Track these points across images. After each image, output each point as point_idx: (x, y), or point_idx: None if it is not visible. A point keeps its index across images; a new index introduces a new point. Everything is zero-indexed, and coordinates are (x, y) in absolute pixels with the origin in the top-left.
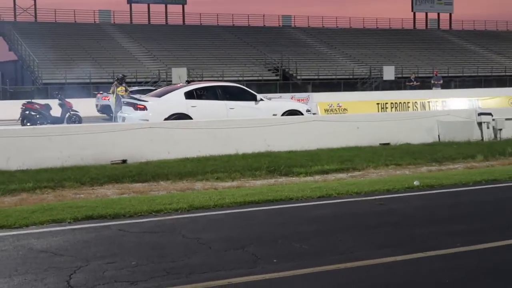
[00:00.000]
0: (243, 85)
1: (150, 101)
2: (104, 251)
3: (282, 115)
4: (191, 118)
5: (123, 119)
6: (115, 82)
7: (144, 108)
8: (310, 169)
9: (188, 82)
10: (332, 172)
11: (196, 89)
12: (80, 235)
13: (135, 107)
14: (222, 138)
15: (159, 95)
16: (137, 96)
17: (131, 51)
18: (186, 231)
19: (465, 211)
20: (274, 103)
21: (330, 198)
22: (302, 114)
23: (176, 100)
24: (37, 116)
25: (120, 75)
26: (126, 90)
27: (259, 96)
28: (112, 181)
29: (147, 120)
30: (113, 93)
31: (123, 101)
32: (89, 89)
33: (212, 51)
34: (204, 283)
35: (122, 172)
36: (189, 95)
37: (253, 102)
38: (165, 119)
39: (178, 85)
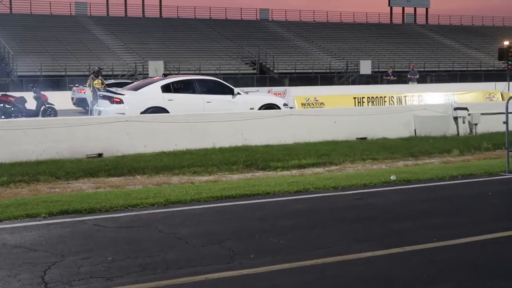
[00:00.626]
0: (220, 79)
1: (127, 94)
2: (80, 246)
3: (259, 109)
4: (168, 112)
5: (99, 112)
6: (91, 75)
7: (121, 102)
8: (287, 163)
9: (165, 75)
10: (309, 167)
11: (173, 83)
12: (55, 230)
13: (112, 100)
14: (199, 132)
15: (136, 89)
16: (113, 89)
17: (108, 43)
18: (163, 226)
19: (442, 206)
20: (251, 97)
21: (307, 193)
22: (279, 108)
23: (152, 94)
24: (12, 109)
25: (96, 68)
26: (102, 83)
27: (236, 89)
28: (87, 175)
29: (124, 114)
30: (89, 86)
31: (99, 94)
32: (65, 82)
33: (189, 44)
34: (181, 278)
35: (98, 166)
36: (166, 88)
37: (230, 96)
38: (142, 112)
39: (155, 78)
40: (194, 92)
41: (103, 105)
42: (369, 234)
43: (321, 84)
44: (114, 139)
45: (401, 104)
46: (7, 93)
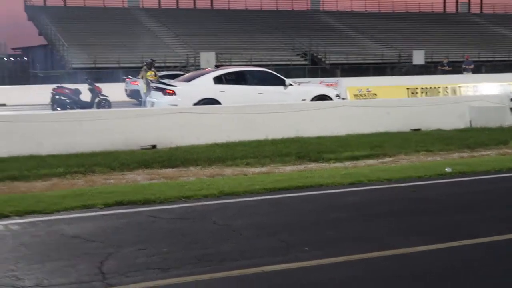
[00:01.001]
0: (272, 70)
1: (179, 86)
2: (135, 237)
3: (311, 100)
4: (220, 103)
5: (152, 104)
6: (144, 67)
7: (173, 93)
8: (340, 155)
9: (217, 67)
10: (363, 158)
11: (225, 74)
12: (111, 221)
13: (164, 92)
14: (251, 123)
15: (188, 80)
16: (166, 81)
17: (160, 35)
18: (217, 217)
19: (499, 199)
20: (303, 88)
21: (361, 185)
22: (331, 99)
23: (205, 85)
24: (67, 100)
25: (149, 59)
26: (155, 75)
27: (288, 81)
28: (142, 167)
29: (176, 105)
30: (142, 77)
31: (152, 86)
32: (118, 73)
33: (240, 36)
34: (237, 270)
35: (151, 157)
36: (218, 80)
37: (282, 87)
38: (194, 104)
39: (207, 70)
40: (246, 83)
41: (156, 97)
42: (425, 228)
43: (374, 75)
44: (167, 131)
45: (456, 94)
46: (62, 85)
